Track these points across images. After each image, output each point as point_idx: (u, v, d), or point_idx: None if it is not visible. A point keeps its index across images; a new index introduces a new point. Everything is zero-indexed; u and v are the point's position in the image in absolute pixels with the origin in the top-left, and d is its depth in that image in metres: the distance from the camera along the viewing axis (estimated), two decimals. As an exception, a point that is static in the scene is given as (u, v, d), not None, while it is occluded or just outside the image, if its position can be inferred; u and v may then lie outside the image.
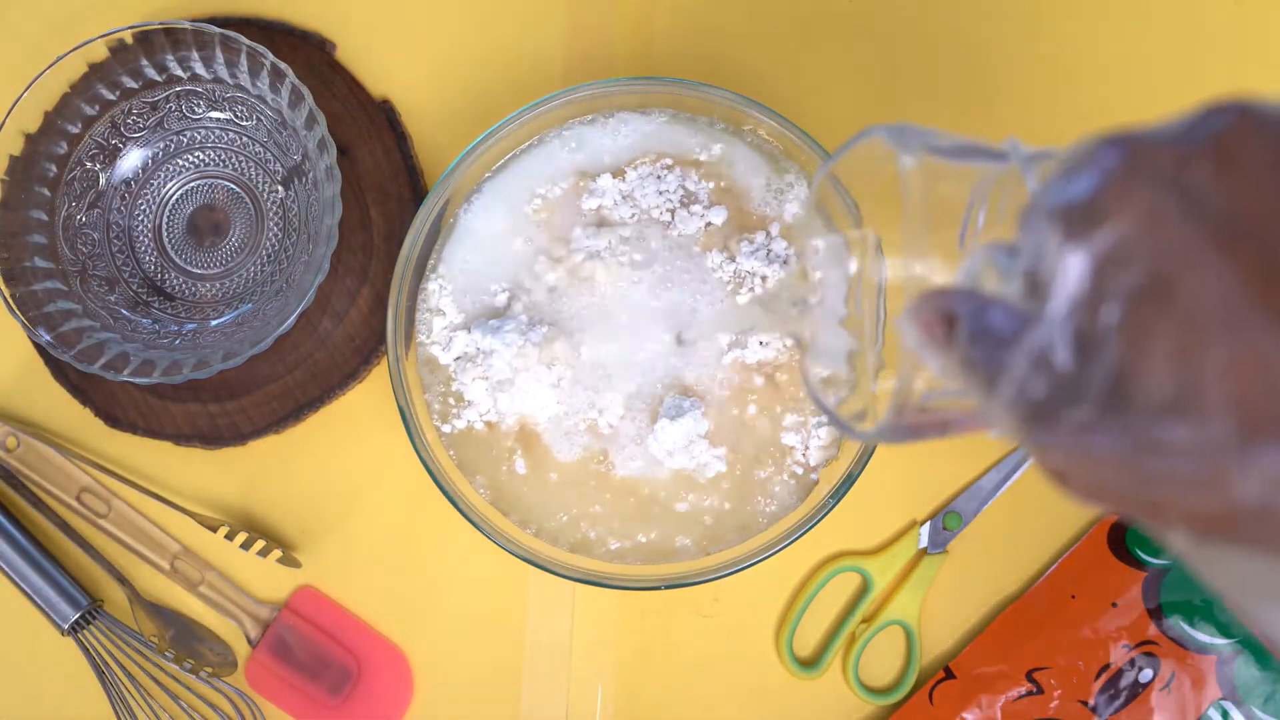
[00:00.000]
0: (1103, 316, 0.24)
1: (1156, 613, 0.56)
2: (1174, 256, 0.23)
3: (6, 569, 0.58)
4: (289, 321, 0.54)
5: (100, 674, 0.57)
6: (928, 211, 0.30)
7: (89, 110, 0.58)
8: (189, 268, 0.60)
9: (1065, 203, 0.25)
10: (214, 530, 0.58)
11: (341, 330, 0.60)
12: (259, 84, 0.57)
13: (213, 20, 0.61)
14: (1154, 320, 0.23)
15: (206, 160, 0.60)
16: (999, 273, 0.29)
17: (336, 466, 0.60)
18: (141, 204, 0.60)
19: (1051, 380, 0.25)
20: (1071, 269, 0.25)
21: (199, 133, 0.60)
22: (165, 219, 0.60)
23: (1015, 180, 0.31)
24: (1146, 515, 0.24)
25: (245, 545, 0.58)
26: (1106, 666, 0.56)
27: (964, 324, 0.28)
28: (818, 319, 0.46)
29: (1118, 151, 0.25)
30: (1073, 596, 0.57)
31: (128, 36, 0.56)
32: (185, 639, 0.58)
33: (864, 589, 0.58)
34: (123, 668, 0.58)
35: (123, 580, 0.59)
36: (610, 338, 0.54)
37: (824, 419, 0.53)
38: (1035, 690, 0.56)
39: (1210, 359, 0.22)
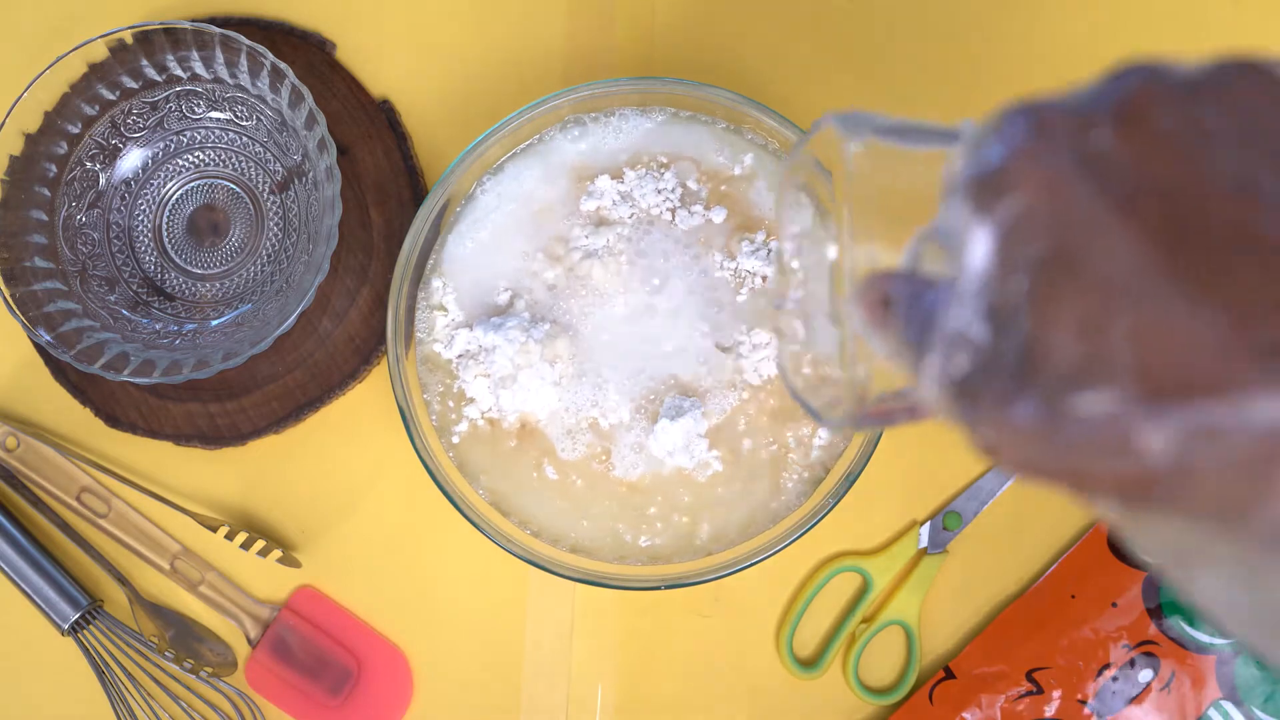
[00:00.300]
0: (1011, 288, 0.24)
1: (1156, 613, 0.56)
2: (1077, 225, 0.23)
3: (6, 569, 0.58)
4: (289, 321, 0.54)
5: (100, 674, 0.57)
6: (876, 195, 0.30)
7: (89, 110, 0.58)
8: (189, 268, 0.60)
9: (972, 176, 0.25)
10: (214, 530, 0.58)
11: (341, 330, 0.60)
12: (259, 84, 0.57)
13: (213, 20, 0.61)
14: (1059, 290, 0.23)
15: (206, 160, 0.60)
16: (940, 251, 0.29)
17: (336, 466, 0.60)
18: (141, 204, 0.60)
19: (972, 356, 0.25)
20: (978, 242, 0.24)
21: (199, 133, 0.60)
22: (165, 219, 0.60)
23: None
24: (1072, 485, 0.24)
25: (245, 545, 0.58)
26: (1106, 666, 0.56)
27: (898, 305, 0.28)
28: (794, 309, 0.45)
29: (1023, 120, 0.25)
30: (1073, 596, 0.57)
31: (128, 36, 0.56)
32: (185, 639, 0.58)
33: (864, 589, 0.58)
34: (123, 668, 0.58)
35: (123, 580, 0.59)
36: (611, 337, 0.54)
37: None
38: (1035, 690, 0.56)
39: (1114, 326, 0.22)
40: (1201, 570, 0.24)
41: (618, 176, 0.55)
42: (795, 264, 0.44)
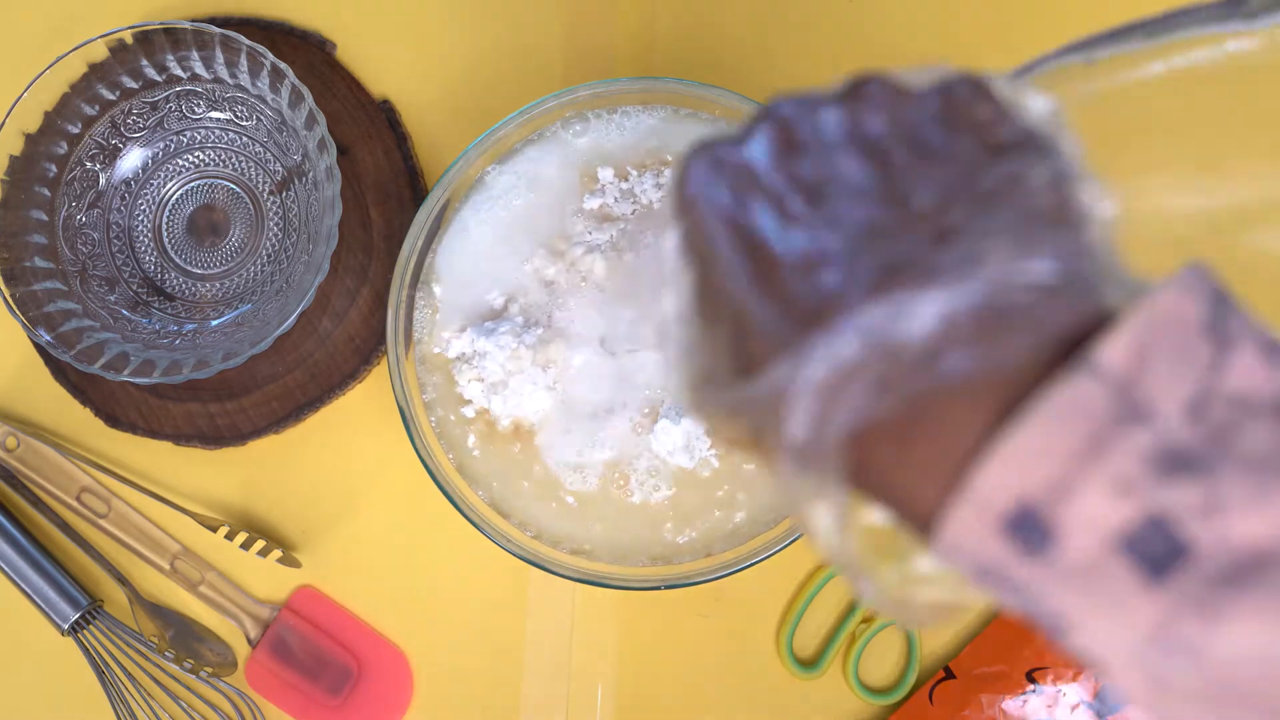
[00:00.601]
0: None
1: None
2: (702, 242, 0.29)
3: (6, 569, 0.58)
4: (289, 321, 0.54)
5: (100, 674, 0.57)
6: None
7: (89, 110, 0.58)
8: (189, 268, 0.60)
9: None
10: (214, 530, 0.58)
11: (341, 330, 0.60)
12: (259, 84, 0.57)
13: (213, 20, 0.61)
14: (708, 295, 0.29)
15: (206, 160, 0.60)
16: None
17: (336, 466, 0.60)
18: (141, 204, 0.60)
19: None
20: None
21: (199, 133, 0.60)
22: (165, 219, 0.60)
23: None
24: (755, 451, 0.29)
25: (245, 545, 0.58)
26: (1106, 666, 0.56)
27: None
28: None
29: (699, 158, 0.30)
30: (1073, 596, 0.57)
31: (128, 36, 0.56)
32: (185, 639, 0.58)
33: (864, 589, 0.58)
34: (123, 668, 0.58)
35: (123, 580, 0.59)
36: (611, 338, 0.54)
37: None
38: (1035, 690, 0.56)
39: (730, 313, 0.28)
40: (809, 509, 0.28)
41: (621, 173, 0.55)
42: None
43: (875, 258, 0.26)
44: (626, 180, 0.55)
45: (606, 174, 0.55)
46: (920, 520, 0.25)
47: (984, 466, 0.23)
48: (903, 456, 0.25)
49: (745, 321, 0.27)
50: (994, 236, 0.25)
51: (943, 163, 0.27)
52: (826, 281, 0.26)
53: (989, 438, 0.23)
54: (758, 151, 0.29)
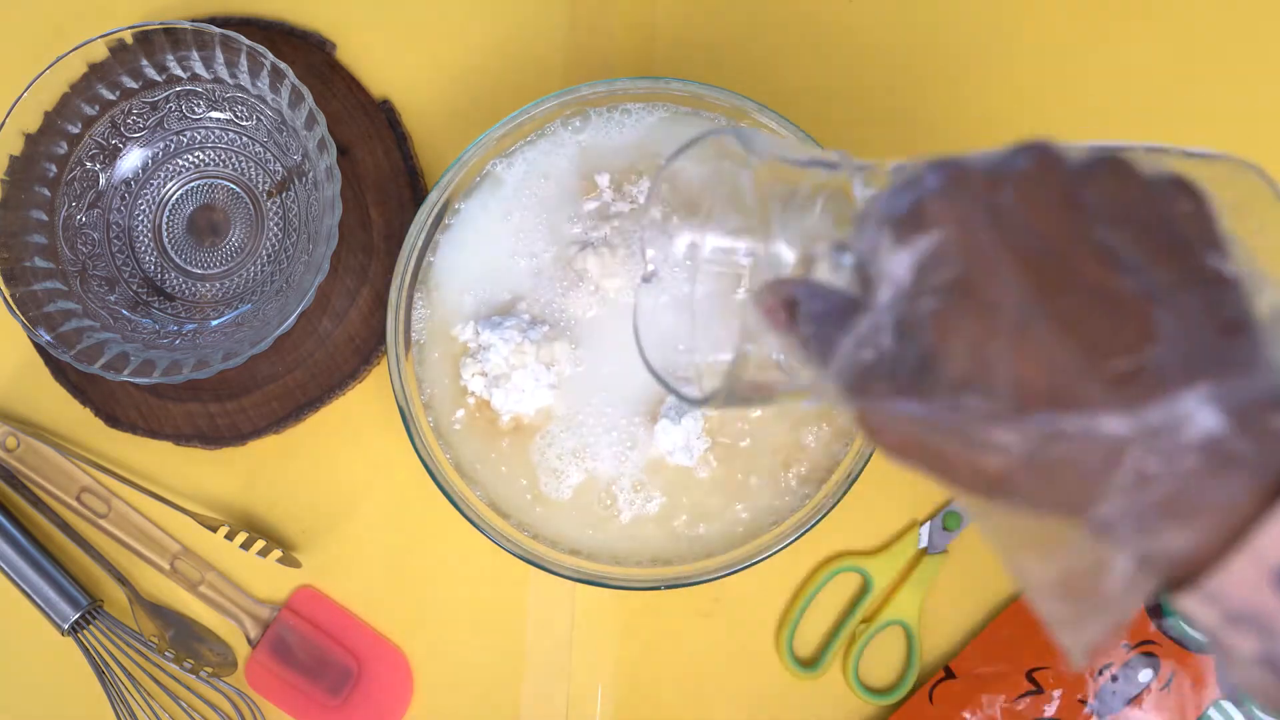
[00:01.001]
0: (919, 307, 0.29)
1: (1156, 612, 0.56)
2: (978, 262, 0.29)
3: (6, 569, 0.58)
4: (289, 321, 0.54)
5: (100, 674, 0.57)
6: (767, 206, 0.35)
7: (89, 110, 0.58)
8: (189, 268, 0.60)
9: (894, 213, 0.30)
10: (214, 530, 0.58)
11: (341, 330, 0.60)
12: (259, 84, 0.57)
13: (213, 20, 0.61)
14: (959, 311, 0.29)
15: (206, 160, 0.60)
16: (830, 265, 0.35)
17: (336, 466, 0.60)
18: (141, 204, 0.60)
19: (875, 356, 0.30)
20: (896, 267, 0.30)
21: (199, 133, 0.60)
22: (165, 219, 0.60)
23: (843, 186, 0.36)
24: (939, 472, 0.30)
25: (245, 545, 0.58)
26: (1106, 666, 0.56)
27: (803, 309, 0.33)
28: (654, 296, 0.51)
29: (943, 171, 0.30)
30: (1073, 596, 0.57)
31: (128, 36, 0.56)
32: (185, 639, 0.58)
33: (864, 589, 0.58)
34: (123, 668, 0.58)
35: (123, 580, 0.59)
36: (611, 338, 0.54)
37: (824, 420, 0.54)
38: (1035, 690, 0.56)
39: (999, 345, 0.28)
40: (1026, 553, 0.31)
41: (619, 179, 0.55)
42: (650, 253, 0.49)
43: (1188, 338, 0.27)
44: (623, 188, 0.55)
45: (604, 180, 0.55)
46: (1178, 571, 0.28)
47: (1266, 527, 0.26)
48: (1180, 515, 0.27)
49: (1031, 352, 0.28)
50: (1265, 331, 0.28)
51: (1177, 252, 0.29)
52: (1156, 352, 0.27)
53: (1271, 504, 0.26)
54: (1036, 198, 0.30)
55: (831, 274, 0.34)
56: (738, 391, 0.37)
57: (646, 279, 0.49)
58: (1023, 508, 0.29)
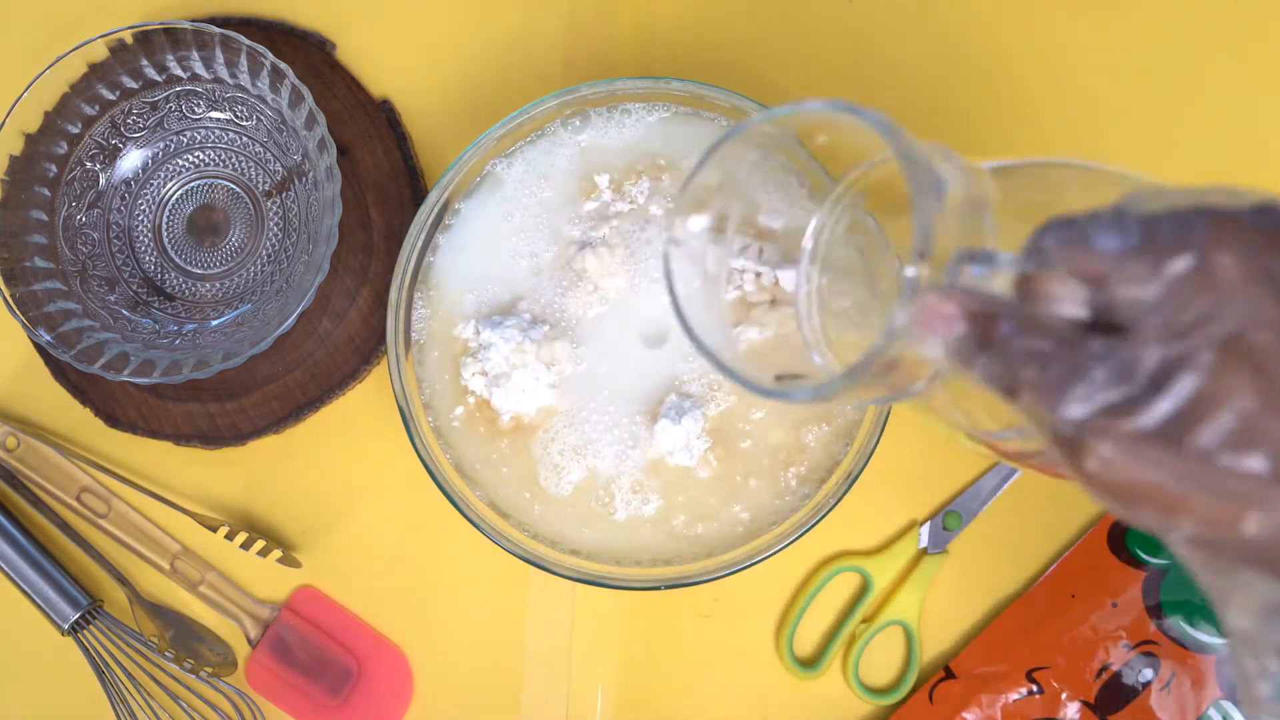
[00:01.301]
0: (1193, 358, 0.27)
1: (1156, 612, 0.56)
2: (1260, 321, 0.27)
3: (6, 569, 0.58)
4: (289, 321, 0.54)
5: (100, 674, 0.57)
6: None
7: (89, 110, 0.58)
8: (189, 268, 0.60)
9: (1161, 247, 0.29)
10: (214, 530, 0.58)
11: (341, 330, 0.60)
12: (259, 84, 0.57)
13: (213, 20, 0.61)
14: (1234, 371, 0.27)
15: (206, 160, 0.60)
16: (969, 276, 0.32)
17: (336, 466, 0.60)
18: (141, 204, 0.60)
19: (1120, 399, 0.28)
20: (1156, 307, 0.28)
21: (199, 133, 0.60)
22: (165, 219, 0.60)
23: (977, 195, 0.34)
24: (1161, 518, 0.28)
25: (245, 545, 0.58)
26: (1106, 666, 0.56)
27: (1007, 337, 0.30)
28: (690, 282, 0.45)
29: (1206, 219, 0.29)
30: (1072, 596, 0.57)
31: (128, 36, 0.56)
32: (185, 639, 0.58)
33: (864, 589, 0.58)
34: (123, 668, 0.58)
35: (123, 580, 0.59)
36: (611, 338, 0.54)
37: (823, 420, 0.54)
38: (1035, 690, 0.56)
39: (1272, 421, 0.27)
40: (1239, 613, 0.29)
41: (618, 180, 0.55)
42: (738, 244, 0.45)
43: None
44: (623, 188, 0.55)
45: (603, 180, 0.55)
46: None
47: None
48: None
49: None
50: None
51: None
52: None
53: None
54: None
55: (944, 277, 0.32)
56: (859, 387, 0.34)
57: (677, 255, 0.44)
58: (1254, 569, 0.28)
